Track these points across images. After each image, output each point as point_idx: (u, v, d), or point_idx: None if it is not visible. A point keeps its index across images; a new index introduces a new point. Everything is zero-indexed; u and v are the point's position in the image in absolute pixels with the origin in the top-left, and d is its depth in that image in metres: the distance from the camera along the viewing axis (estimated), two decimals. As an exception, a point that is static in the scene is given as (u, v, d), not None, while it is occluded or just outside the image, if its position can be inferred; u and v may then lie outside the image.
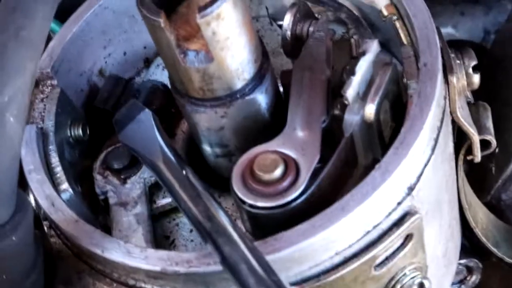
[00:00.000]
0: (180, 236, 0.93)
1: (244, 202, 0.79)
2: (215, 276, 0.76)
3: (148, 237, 0.89)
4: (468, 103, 0.95)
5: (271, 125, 0.89)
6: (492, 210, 1.15)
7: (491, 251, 1.10)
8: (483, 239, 1.04)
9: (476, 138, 0.91)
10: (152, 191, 0.95)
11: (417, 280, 0.84)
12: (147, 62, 1.10)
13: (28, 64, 0.71)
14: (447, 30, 1.67)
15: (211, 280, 0.77)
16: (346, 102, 0.82)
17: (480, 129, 0.93)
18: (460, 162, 0.96)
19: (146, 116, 0.80)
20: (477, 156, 0.92)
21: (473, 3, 1.68)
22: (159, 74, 1.07)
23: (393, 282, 0.83)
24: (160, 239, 0.93)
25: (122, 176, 0.94)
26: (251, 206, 0.79)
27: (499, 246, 1.07)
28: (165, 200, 0.95)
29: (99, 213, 0.96)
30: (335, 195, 0.84)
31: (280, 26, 1.09)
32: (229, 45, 0.79)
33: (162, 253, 0.78)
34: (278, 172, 0.80)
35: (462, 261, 1.08)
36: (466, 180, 1.02)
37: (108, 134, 1.02)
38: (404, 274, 0.83)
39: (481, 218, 1.06)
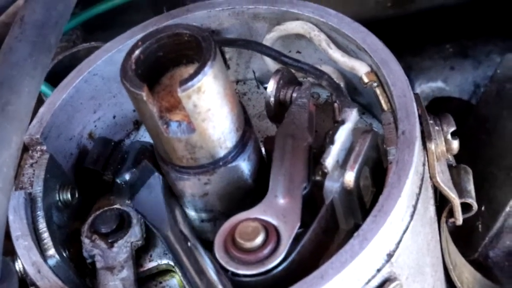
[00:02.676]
0: (166, 300, 0.94)
1: (226, 270, 0.81)
2: None
3: (135, 302, 0.90)
4: (450, 166, 0.97)
5: (254, 190, 0.91)
6: (480, 268, 1.16)
7: None
8: (471, 301, 1.05)
9: (456, 201, 0.92)
10: (139, 255, 0.96)
11: None
12: (137, 124, 1.13)
13: (13, 138, 0.74)
14: (437, 85, 1.70)
15: None
16: (325, 170, 0.84)
17: (461, 192, 0.95)
18: (443, 224, 0.97)
19: (156, 181, 0.83)
20: (459, 219, 0.94)
21: (462, 57, 1.71)
22: (148, 136, 1.09)
23: None
24: (145, 302, 0.94)
25: (109, 240, 0.96)
26: (233, 274, 0.81)
27: (485, 306, 1.08)
28: (151, 264, 0.96)
29: (86, 276, 0.97)
30: (316, 261, 0.86)
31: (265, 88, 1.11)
32: (211, 116, 0.82)
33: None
34: (259, 240, 0.81)
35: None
36: (450, 240, 1.03)
37: (97, 196, 1.04)
38: None
39: (467, 277, 1.07)
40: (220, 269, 0.80)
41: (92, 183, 1.03)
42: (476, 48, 1.68)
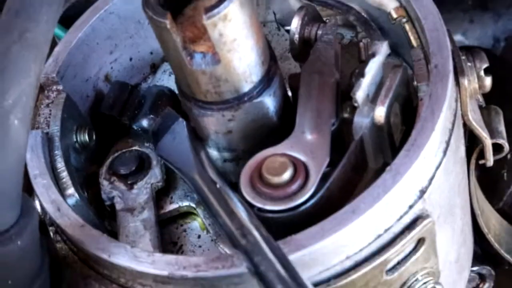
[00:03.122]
0: (188, 242, 0.92)
1: (252, 206, 0.78)
2: (223, 281, 0.75)
3: (156, 243, 0.87)
4: (480, 107, 0.94)
5: (279, 128, 0.88)
6: (504, 217, 1.13)
7: (504, 258, 1.08)
8: (496, 246, 1.02)
9: (488, 142, 0.89)
10: (159, 197, 0.93)
11: (430, 286, 0.82)
12: (154, 68, 1.10)
13: (32, 66, 0.70)
14: (457, 38, 1.66)
15: (219, 285, 0.75)
16: (355, 104, 0.80)
17: (492, 133, 0.92)
18: (472, 167, 0.94)
19: (180, 126, 0.80)
20: (490, 160, 0.91)
21: (482, 10, 1.66)
22: (166, 79, 1.06)
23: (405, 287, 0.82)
24: (168, 245, 0.91)
25: (128, 182, 0.93)
26: (259, 209, 0.78)
27: (512, 253, 1.06)
28: (172, 206, 0.93)
29: (105, 219, 0.94)
30: (344, 199, 0.83)
31: (288, 31, 1.08)
32: (236, 47, 0.78)
33: (170, 257, 0.76)
34: (287, 175, 0.79)
35: (475, 269, 1.07)
36: (478, 186, 1.00)
37: (114, 139, 1.01)
38: (416, 280, 0.82)
39: (494, 224, 1.04)
40: (249, 208, 0.77)
41: (109, 126, 1.00)
42: (496, 0, 1.64)
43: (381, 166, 0.86)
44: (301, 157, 0.81)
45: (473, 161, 0.94)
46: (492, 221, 1.04)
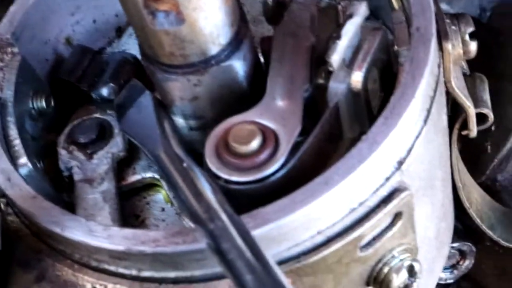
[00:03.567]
0: (151, 216, 0.86)
1: (218, 177, 0.72)
2: (184, 257, 0.70)
3: (115, 216, 0.82)
4: (464, 75, 0.89)
5: (249, 95, 0.82)
6: (487, 191, 1.08)
7: (486, 234, 1.03)
8: (478, 221, 0.98)
9: (472, 111, 0.84)
10: (121, 168, 0.88)
11: (407, 263, 0.77)
12: (119, 32, 1.03)
13: None
14: (442, 7, 1.60)
15: (180, 261, 0.70)
16: (330, 68, 0.75)
17: (477, 102, 0.87)
18: (454, 137, 0.89)
19: (147, 99, 0.73)
20: (473, 130, 0.86)
21: (468, -21, 1.61)
22: (132, 43, 1.00)
23: (380, 265, 0.77)
24: (129, 218, 0.86)
25: (88, 151, 0.87)
26: (225, 181, 0.72)
27: (494, 228, 1.01)
28: (135, 177, 0.88)
29: (63, 191, 0.88)
30: (317, 171, 0.77)
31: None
32: (202, 5, 0.72)
33: (127, 231, 0.71)
34: (255, 144, 0.73)
35: (455, 245, 1.02)
36: (460, 158, 0.95)
37: (74, 107, 0.95)
38: (393, 256, 0.76)
39: (476, 198, 0.99)
40: (216, 185, 0.71)
41: (69, 93, 0.94)
42: (483, -31, 1.59)
43: (357, 136, 0.80)
44: (271, 124, 0.75)
45: (455, 131, 0.89)
46: (474, 195, 0.99)
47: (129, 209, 0.87)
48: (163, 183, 0.86)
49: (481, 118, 0.88)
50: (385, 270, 0.77)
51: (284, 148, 0.73)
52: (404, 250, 0.77)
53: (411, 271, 0.77)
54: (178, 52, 0.76)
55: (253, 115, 0.76)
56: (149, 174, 0.87)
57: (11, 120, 0.83)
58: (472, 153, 1.06)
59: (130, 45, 1.00)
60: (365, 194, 0.72)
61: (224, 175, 0.72)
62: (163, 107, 0.83)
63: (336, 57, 0.75)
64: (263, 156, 0.73)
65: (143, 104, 0.80)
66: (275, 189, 0.72)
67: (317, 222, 0.70)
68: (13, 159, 0.80)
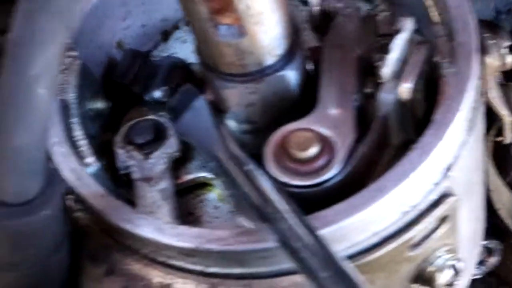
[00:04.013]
0: (205, 213, 0.91)
1: (278, 181, 0.78)
2: (249, 255, 0.75)
3: (174, 214, 0.87)
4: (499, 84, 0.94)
5: (299, 102, 0.87)
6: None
7: None
8: (507, 222, 1.03)
9: (508, 119, 0.90)
10: (175, 167, 0.93)
11: (450, 262, 0.83)
12: (165, 35, 1.08)
13: (57, 34, 0.69)
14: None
15: (245, 259, 0.75)
16: (381, 81, 0.80)
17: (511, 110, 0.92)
18: (489, 143, 0.95)
19: (201, 103, 0.79)
20: (508, 137, 0.91)
21: (485, -19, 1.65)
22: (178, 47, 1.05)
23: (426, 264, 0.82)
24: (184, 216, 0.91)
25: (145, 151, 0.92)
26: (285, 185, 0.78)
27: (521, 228, 1.07)
28: (189, 176, 0.92)
29: (119, 188, 0.93)
30: (367, 176, 0.83)
31: (302, 2, 1.07)
32: (263, 20, 0.78)
33: (196, 230, 0.76)
34: (313, 150, 0.78)
35: (483, 243, 1.07)
36: (491, 162, 1.01)
37: (127, 107, 1.00)
38: (438, 256, 0.82)
39: (505, 200, 1.05)
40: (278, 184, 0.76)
41: (122, 94, 0.99)
42: (499, -28, 1.63)
43: (402, 143, 0.86)
44: (326, 132, 0.80)
45: (490, 138, 0.94)
46: (504, 197, 1.05)
47: (184, 206, 0.92)
48: (217, 182, 0.91)
49: (513, 125, 0.93)
50: (431, 269, 0.82)
51: (340, 154, 0.79)
52: (447, 250, 0.83)
53: (455, 270, 0.83)
54: (238, 62, 0.81)
55: (309, 122, 0.81)
56: (202, 174, 0.92)
57: (75, 121, 0.88)
58: (497, 155, 1.11)
59: (176, 49, 1.04)
60: (416, 199, 0.77)
61: (284, 179, 0.78)
62: (216, 111, 0.88)
63: (386, 70, 0.80)
64: (321, 161, 0.78)
65: (197, 107, 0.85)
66: (330, 193, 0.78)
67: (372, 224, 0.76)
68: (80, 158, 0.85)
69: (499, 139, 0.93)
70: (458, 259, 0.83)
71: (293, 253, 0.69)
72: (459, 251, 0.85)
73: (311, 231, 0.70)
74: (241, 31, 0.78)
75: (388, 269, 0.80)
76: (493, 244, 1.07)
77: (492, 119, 0.92)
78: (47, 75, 0.67)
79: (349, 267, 0.68)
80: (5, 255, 0.73)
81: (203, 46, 0.82)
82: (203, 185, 0.93)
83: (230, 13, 0.78)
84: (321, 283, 0.66)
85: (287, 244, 0.70)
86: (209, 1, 0.78)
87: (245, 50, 0.79)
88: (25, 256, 0.73)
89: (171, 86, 0.95)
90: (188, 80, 0.96)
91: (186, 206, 0.92)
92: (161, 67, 0.98)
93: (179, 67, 0.99)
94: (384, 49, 0.90)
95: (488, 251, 1.09)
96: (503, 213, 1.01)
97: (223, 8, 0.79)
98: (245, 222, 0.88)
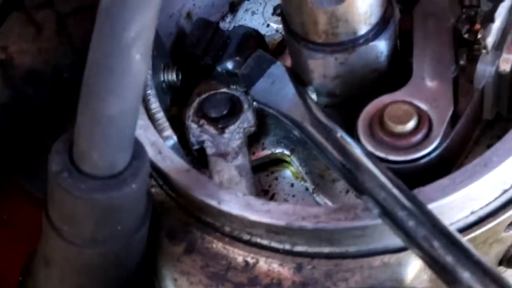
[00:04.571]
0: (281, 191, 0.87)
1: (374, 156, 0.74)
2: (343, 234, 0.71)
3: (252, 190, 0.83)
4: None
5: (386, 75, 0.83)
6: None
7: None
8: None
9: None
10: (250, 142, 0.89)
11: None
12: (233, 6, 1.04)
13: None
14: None
15: (337, 237, 0.71)
16: (484, 51, 0.76)
17: None
18: None
19: (279, 70, 0.75)
20: None
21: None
22: (248, 19, 1.01)
23: (514, 246, 0.78)
24: (259, 193, 0.87)
25: (219, 126, 0.88)
26: (380, 160, 0.73)
27: None
28: (264, 152, 0.89)
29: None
30: (461, 151, 0.79)
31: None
32: (362, -14, 0.73)
33: (287, 206, 0.72)
34: (411, 124, 0.74)
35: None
36: None
37: (195, 80, 0.96)
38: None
39: None
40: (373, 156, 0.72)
41: (190, 66, 0.95)
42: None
43: (494, 117, 0.82)
44: (423, 105, 0.76)
45: None
46: None
47: (258, 184, 0.88)
48: (293, 158, 0.87)
49: None
50: (517, 251, 0.78)
51: (438, 129, 0.75)
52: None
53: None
54: (331, 31, 0.77)
55: (405, 94, 0.77)
56: (279, 150, 0.88)
57: (151, 93, 0.84)
58: None
59: (246, 20, 1.01)
60: (519, 175, 0.73)
61: (380, 154, 0.74)
62: (296, 79, 0.84)
63: (490, 40, 0.76)
64: (419, 136, 0.74)
65: (275, 74, 0.82)
66: (428, 169, 0.74)
67: (472, 202, 0.72)
68: (158, 131, 0.81)
69: None
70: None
71: (399, 223, 0.65)
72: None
73: (415, 200, 0.66)
74: (340, -3, 0.74)
75: (481, 250, 0.75)
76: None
77: None
78: (143, 39, 0.63)
79: (460, 236, 0.64)
80: (88, 231, 0.69)
81: (294, 14, 0.78)
82: (277, 161, 0.89)
83: (328, -22, 0.74)
84: (431, 253, 0.62)
85: (391, 214, 0.66)
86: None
87: (340, 17, 0.75)
88: (109, 232, 0.70)
89: (246, 56, 0.91)
90: (262, 49, 0.92)
91: (260, 183, 0.88)
92: (233, 37, 0.94)
93: (253, 38, 0.95)
94: (472, 21, 0.86)
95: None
96: None
97: (318, -26, 0.75)
98: (326, 200, 0.84)
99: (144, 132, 0.79)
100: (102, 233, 0.69)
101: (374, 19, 0.77)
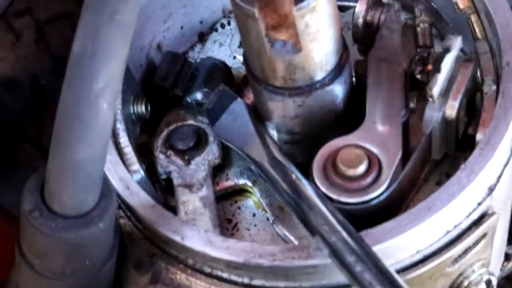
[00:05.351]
0: (243, 220, 0.92)
1: (326, 197, 0.79)
2: (297, 271, 0.76)
3: (215, 221, 0.88)
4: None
5: (343, 115, 0.88)
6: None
7: None
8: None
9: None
10: (214, 173, 0.94)
11: (485, 277, 0.85)
12: (202, 36, 1.09)
13: (121, 49, 0.70)
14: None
15: (292, 274, 0.77)
16: (431, 99, 0.81)
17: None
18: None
19: (239, 107, 0.79)
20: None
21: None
22: (216, 50, 1.05)
23: (461, 278, 0.84)
24: (222, 222, 0.92)
25: (186, 157, 0.93)
26: (332, 201, 0.79)
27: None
28: (228, 183, 0.94)
29: (157, 191, 0.94)
30: (410, 191, 0.85)
31: (340, 8, 1.08)
32: (319, 37, 0.78)
33: (245, 244, 0.77)
34: (362, 168, 0.80)
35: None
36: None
37: (164, 109, 1.00)
38: (473, 271, 0.84)
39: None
40: (324, 196, 0.78)
41: (160, 96, 1.00)
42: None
43: (442, 157, 0.88)
44: (374, 149, 0.82)
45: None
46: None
47: (222, 213, 0.93)
48: (255, 190, 0.93)
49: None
50: (465, 283, 0.84)
51: (387, 172, 0.80)
52: (482, 265, 0.85)
53: (488, 285, 0.85)
54: (289, 77, 0.82)
55: (357, 138, 0.82)
56: (242, 181, 0.93)
57: (120, 127, 0.88)
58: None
59: (214, 52, 1.05)
60: (460, 218, 0.79)
61: (333, 195, 0.79)
62: (257, 116, 0.89)
63: (436, 89, 0.81)
64: (369, 179, 0.79)
65: (236, 111, 0.87)
66: (376, 210, 0.80)
67: (417, 243, 0.78)
68: (126, 166, 0.86)
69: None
70: (490, 273, 0.85)
71: (347, 266, 0.70)
72: (491, 265, 0.87)
73: (364, 245, 0.71)
74: (296, 47, 0.79)
75: (426, 285, 0.81)
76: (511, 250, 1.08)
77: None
78: (111, 89, 0.68)
79: (403, 283, 0.69)
80: (58, 265, 0.74)
81: (255, 60, 0.83)
82: (241, 191, 0.94)
83: (286, 29, 0.79)
84: None
85: (339, 257, 0.71)
86: (267, 17, 0.79)
87: (297, 65, 0.80)
88: (78, 266, 0.75)
89: (212, 87, 0.95)
90: (229, 82, 0.97)
91: (224, 212, 0.93)
92: (201, 68, 0.98)
93: (220, 69, 0.99)
94: (425, 62, 0.91)
95: (506, 257, 1.10)
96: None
97: (278, 24, 0.79)
98: (284, 231, 0.89)
99: (113, 167, 0.84)
100: (71, 268, 0.74)
101: (329, 66, 0.82)
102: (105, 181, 0.73)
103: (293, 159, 0.85)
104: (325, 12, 0.77)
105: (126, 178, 0.83)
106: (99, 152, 0.70)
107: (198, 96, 0.97)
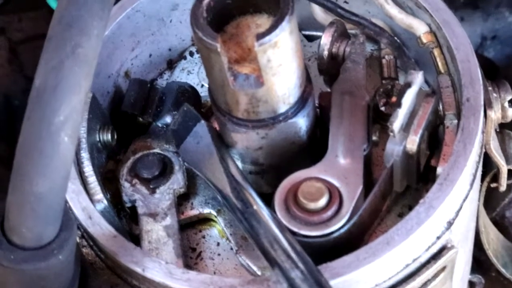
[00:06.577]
0: (207, 249, 0.93)
1: (287, 230, 0.80)
2: (257, 303, 0.77)
3: (179, 251, 0.88)
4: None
5: (307, 146, 0.89)
6: (496, 226, 1.18)
7: (493, 265, 1.12)
8: (494, 260, 1.07)
9: (505, 169, 0.93)
10: (179, 202, 0.94)
11: (444, 308, 0.86)
12: (170, 64, 1.10)
13: (83, 82, 0.70)
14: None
15: (252, 306, 0.77)
16: (391, 134, 0.82)
17: (507, 158, 0.95)
18: (483, 189, 0.98)
19: (202, 130, 0.80)
20: (503, 185, 0.94)
21: (472, 9, 1.69)
22: (184, 78, 1.06)
23: (420, 311, 0.85)
24: (187, 251, 0.93)
25: (151, 186, 0.93)
26: (294, 233, 0.80)
27: (507, 267, 1.10)
28: (193, 212, 0.94)
29: (122, 219, 0.95)
30: (371, 224, 0.86)
31: (306, 37, 1.09)
32: (281, 71, 0.79)
33: (205, 276, 0.78)
34: (323, 201, 0.80)
35: (467, 277, 1.11)
36: (482, 204, 1.04)
37: (130, 136, 1.01)
38: (431, 303, 0.85)
39: (492, 239, 1.08)
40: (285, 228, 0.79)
41: (126, 123, 1.00)
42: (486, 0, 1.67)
43: (404, 190, 0.89)
44: (335, 182, 0.82)
45: (485, 184, 0.97)
46: (491, 236, 1.08)
47: (186, 241, 0.94)
48: (220, 219, 0.93)
49: (510, 173, 0.96)
50: (425, 316, 0.85)
51: (348, 206, 0.81)
52: (442, 296, 0.86)
53: (448, 317, 0.86)
54: (252, 110, 0.83)
55: (318, 171, 0.83)
56: (206, 210, 0.94)
57: (85, 156, 0.89)
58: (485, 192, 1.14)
59: (182, 79, 1.06)
60: (419, 252, 0.80)
61: (293, 228, 0.80)
62: (222, 140, 0.90)
63: (397, 124, 0.82)
64: (330, 212, 0.80)
65: (199, 134, 0.87)
66: (337, 243, 0.80)
67: (376, 276, 0.78)
68: (89, 195, 0.86)
69: (494, 185, 0.95)
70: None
71: None
72: (453, 296, 0.88)
73: (322, 280, 0.72)
74: (259, 81, 0.79)
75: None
76: (476, 278, 1.10)
77: (488, 166, 0.95)
78: (71, 122, 0.68)
79: None
80: (17, 297, 0.74)
81: (218, 92, 0.83)
82: (206, 220, 0.95)
83: (249, 63, 0.80)
84: None
85: None
86: (230, 51, 0.80)
87: (260, 98, 0.81)
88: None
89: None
90: (196, 103, 0.98)
91: (188, 241, 0.94)
92: (168, 92, 0.99)
93: (188, 92, 1.00)
94: (389, 94, 0.93)
95: (471, 285, 1.12)
96: (490, 253, 1.05)
97: (241, 57, 0.81)
98: (247, 261, 0.90)
99: (76, 197, 0.84)
100: (29, 300, 0.75)
101: (292, 99, 0.83)
102: (66, 212, 0.74)
103: (258, 189, 0.87)
104: (287, 47, 0.77)
105: (89, 208, 0.84)
106: (59, 185, 0.70)
107: (168, 119, 0.97)
